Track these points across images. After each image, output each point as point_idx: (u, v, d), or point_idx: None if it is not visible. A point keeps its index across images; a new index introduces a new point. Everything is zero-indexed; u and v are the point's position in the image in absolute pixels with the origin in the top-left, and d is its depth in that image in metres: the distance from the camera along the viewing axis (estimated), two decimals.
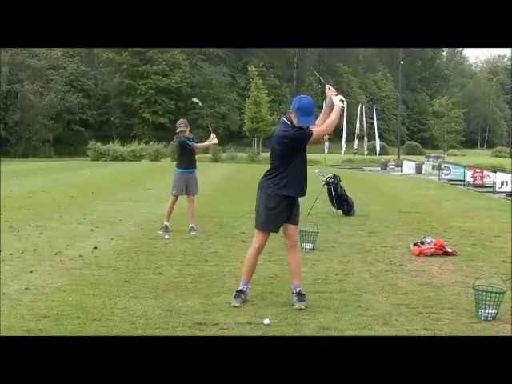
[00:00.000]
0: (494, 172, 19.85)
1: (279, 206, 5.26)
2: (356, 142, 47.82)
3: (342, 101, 5.32)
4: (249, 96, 49.05)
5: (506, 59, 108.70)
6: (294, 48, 74.77)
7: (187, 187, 9.32)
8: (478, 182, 21.36)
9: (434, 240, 8.01)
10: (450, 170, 24.90)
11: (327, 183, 12.26)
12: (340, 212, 11.91)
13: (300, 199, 5.51)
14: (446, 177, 24.54)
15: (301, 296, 5.35)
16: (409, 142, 67.84)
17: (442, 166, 25.62)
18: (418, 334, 4.62)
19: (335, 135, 60.23)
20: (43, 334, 4.43)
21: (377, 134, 49.87)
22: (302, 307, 5.21)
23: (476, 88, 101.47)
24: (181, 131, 9.27)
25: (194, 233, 9.16)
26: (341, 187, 12.17)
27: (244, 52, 73.67)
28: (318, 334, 4.56)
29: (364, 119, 49.13)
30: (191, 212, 9.40)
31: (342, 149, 47.10)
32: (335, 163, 37.88)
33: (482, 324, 4.91)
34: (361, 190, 17.54)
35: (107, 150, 42.91)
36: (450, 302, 5.55)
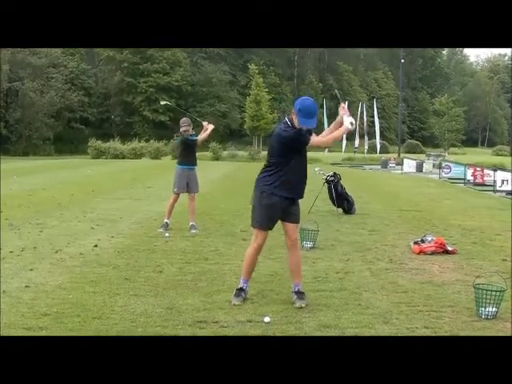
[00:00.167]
0: (495, 170, 19.87)
1: (274, 204, 5.25)
2: (356, 140, 47.83)
3: (351, 123, 5.36)
4: (249, 94, 49.08)
5: (506, 58, 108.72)
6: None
7: (188, 185, 9.33)
8: (479, 180, 21.37)
9: (434, 238, 8.02)
10: (450, 168, 24.91)
11: (327, 181, 12.26)
12: (340, 210, 11.91)
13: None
14: (446, 175, 24.54)
15: (300, 294, 5.36)
16: (409, 141, 67.79)
17: (443, 165, 25.62)
18: (418, 332, 4.63)
19: None
20: (43, 332, 4.44)
21: (377, 132, 49.84)
22: (303, 305, 5.22)
23: (477, 87, 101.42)
24: (184, 130, 9.29)
25: (194, 231, 9.17)
26: (341, 185, 12.18)
27: (244, 50, 73.65)
28: (318, 332, 4.57)
29: (365, 118, 49.15)
30: (192, 210, 9.41)
31: (342, 147, 47.13)
32: (335, 161, 37.85)
33: (483, 322, 4.92)
34: (361, 188, 17.55)
35: (107, 148, 42.95)
36: (450, 301, 5.55)
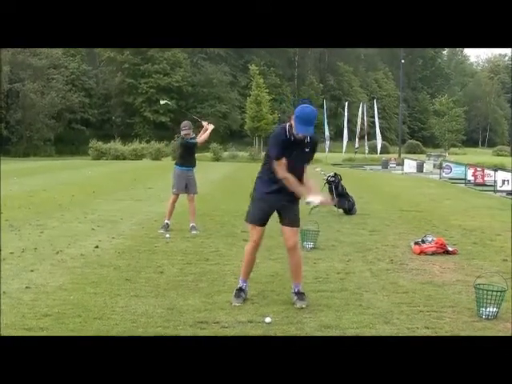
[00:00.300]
0: (495, 171, 19.90)
1: (265, 199, 5.30)
2: (357, 140, 47.85)
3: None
4: (250, 95, 49.06)
5: (507, 58, 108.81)
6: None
7: (187, 186, 9.34)
8: (479, 180, 21.38)
9: (434, 239, 8.02)
10: (450, 168, 24.92)
11: (328, 182, 12.27)
12: (341, 211, 11.91)
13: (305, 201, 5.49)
14: (446, 175, 24.55)
15: (301, 295, 5.36)
16: (410, 141, 67.85)
17: (443, 165, 25.63)
18: (418, 332, 4.63)
19: (336, 134, 60.35)
20: (44, 333, 4.44)
21: (378, 132, 49.84)
22: (303, 306, 5.22)
23: (477, 87, 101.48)
24: (185, 134, 9.30)
25: (194, 232, 9.17)
26: (342, 186, 12.18)
27: (245, 51, 73.73)
28: (319, 333, 4.57)
29: (365, 118, 49.14)
30: (192, 211, 9.42)
31: (342, 147, 47.13)
32: (336, 162, 37.88)
33: (483, 323, 4.91)
34: (362, 188, 17.54)
35: (108, 148, 42.98)
36: (450, 301, 5.55)
